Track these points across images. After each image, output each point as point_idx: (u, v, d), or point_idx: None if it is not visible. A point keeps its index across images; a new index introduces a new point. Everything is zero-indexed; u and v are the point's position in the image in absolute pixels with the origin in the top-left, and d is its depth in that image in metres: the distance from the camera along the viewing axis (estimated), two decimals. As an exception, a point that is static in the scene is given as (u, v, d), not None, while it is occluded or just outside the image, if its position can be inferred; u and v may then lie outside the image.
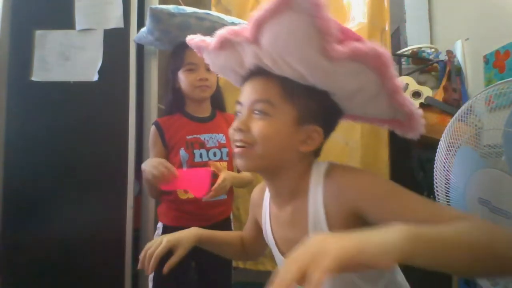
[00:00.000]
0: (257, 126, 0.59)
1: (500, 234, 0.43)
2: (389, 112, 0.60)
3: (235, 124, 0.62)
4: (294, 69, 0.54)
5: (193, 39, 0.68)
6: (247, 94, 0.62)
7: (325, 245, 0.38)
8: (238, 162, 0.63)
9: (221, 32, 0.59)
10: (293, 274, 0.37)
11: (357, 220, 0.56)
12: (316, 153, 0.66)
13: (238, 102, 0.64)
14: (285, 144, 0.59)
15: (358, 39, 0.52)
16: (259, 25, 0.51)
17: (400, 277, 0.68)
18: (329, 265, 0.36)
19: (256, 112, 0.60)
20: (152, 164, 1.04)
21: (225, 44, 0.60)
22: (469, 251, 0.40)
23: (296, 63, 0.53)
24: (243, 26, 0.55)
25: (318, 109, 0.59)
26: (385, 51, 0.51)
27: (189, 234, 0.81)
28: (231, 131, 0.63)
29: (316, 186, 0.60)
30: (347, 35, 0.51)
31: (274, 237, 0.72)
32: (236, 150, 0.62)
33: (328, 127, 0.63)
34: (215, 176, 1.11)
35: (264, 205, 0.75)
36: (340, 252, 0.37)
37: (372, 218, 0.54)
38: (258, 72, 0.60)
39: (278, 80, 0.58)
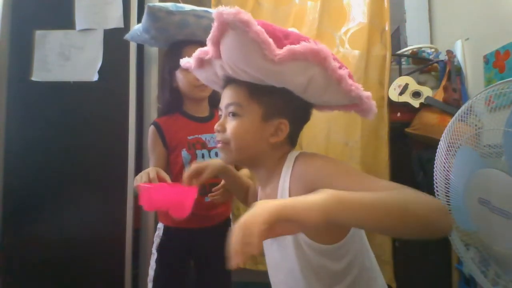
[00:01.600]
0: (230, 126, 0.70)
1: (423, 200, 0.51)
2: (345, 98, 0.69)
3: (215, 126, 0.73)
4: (250, 74, 0.65)
5: (183, 63, 0.81)
6: (223, 99, 0.74)
7: (260, 206, 0.47)
8: (221, 156, 0.76)
9: (195, 54, 0.73)
10: (238, 241, 0.44)
11: None
12: (292, 143, 0.74)
13: (219, 108, 0.75)
14: (256, 138, 0.70)
15: (302, 40, 0.61)
16: (215, 44, 0.63)
17: (369, 261, 0.72)
18: (263, 220, 0.44)
19: (230, 113, 0.71)
20: (141, 173, 0.97)
21: (202, 62, 0.73)
22: (388, 211, 0.48)
23: (248, 69, 0.63)
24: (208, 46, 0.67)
25: (281, 104, 0.69)
26: (322, 47, 0.60)
27: (216, 162, 0.90)
28: (215, 132, 0.74)
29: (286, 171, 0.69)
30: (291, 39, 0.62)
31: None
32: (218, 145, 0.74)
33: (295, 118, 0.72)
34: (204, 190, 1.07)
35: (258, 188, 0.85)
36: (271, 209, 0.46)
37: None
38: (229, 81, 0.72)
39: (245, 85, 0.69)
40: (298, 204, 0.47)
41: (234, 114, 0.70)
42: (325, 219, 0.46)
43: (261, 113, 0.69)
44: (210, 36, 0.63)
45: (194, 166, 0.86)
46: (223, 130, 0.72)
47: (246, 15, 0.57)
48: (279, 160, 0.72)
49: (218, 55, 0.65)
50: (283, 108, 0.69)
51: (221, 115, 0.75)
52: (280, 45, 0.60)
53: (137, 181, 0.95)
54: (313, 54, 0.60)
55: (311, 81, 0.64)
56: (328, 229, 0.63)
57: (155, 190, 0.88)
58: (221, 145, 0.73)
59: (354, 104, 0.71)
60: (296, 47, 0.59)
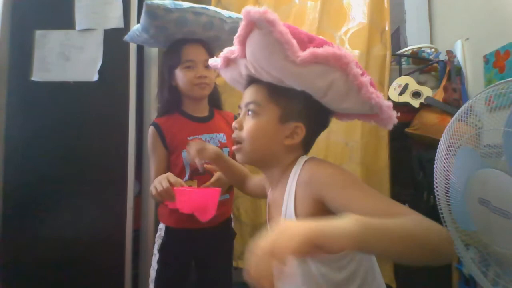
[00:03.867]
0: (246, 125, 0.71)
1: (434, 229, 0.51)
2: (365, 107, 0.67)
3: (233, 123, 0.75)
4: (271, 75, 0.66)
5: (211, 62, 0.83)
6: (244, 98, 0.75)
7: (289, 231, 0.44)
8: (236, 156, 0.76)
9: (222, 53, 0.75)
10: (266, 262, 0.43)
11: (320, 206, 0.64)
12: (306, 148, 0.75)
13: (239, 106, 0.77)
14: (271, 138, 0.70)
15: (324, 44, 0.62)
16: (241, 42, 0.65)
17: (372, 273, 0.70)
18: (295, 248, 0.42)
19: (249, 112, 0.72)
20: (157, 179, 0.98)
21: (228, 62, 0.75)
22: (407, 241, 0.48)
23: (270, 69, 0.64)
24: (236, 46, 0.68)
25: (299, 108, 0.69)
26: (345, 52, 0.60)
27: (213, 147, 0.97)
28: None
29: (294, 174, 0.70)
30: (315, 43, 0.62)
31: (268, 216, 0.84)
32: (233, 147, 0.75)
33: (312, 123, 0.72)
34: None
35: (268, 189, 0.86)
36: (304, 236, 0.43)
37: (331, 205, 0.62)
38: (252, 81, 0.73)
39: (265, 85, 0.70)
40: (328, 231, 0.44)
41: (252, 112, 0.71)
42: (353, 246, 0.45)
43: (278, 115, 0.69)
44: (237, 34, 0.65)
45: (197, 143, 0.93)
46: (240, 127, 0.73)
47: (272, 15, 0.58)
48: (290, 164, 0.72)
49: (243, 54, 0.67)
50: (301, 112, 0.70)
51: (239, 114, 0.77)
52: (304, 48, 0.60)
53: (157, 189, 0.95)
54: (336, 58, 0.60)
55: (331, 86, 0.64)
56: None
57: (194, 193, 0.92)
58: (236, 146, 0.74)
59: (374, 114, 0.70)
60: (319, 50, 0.59)
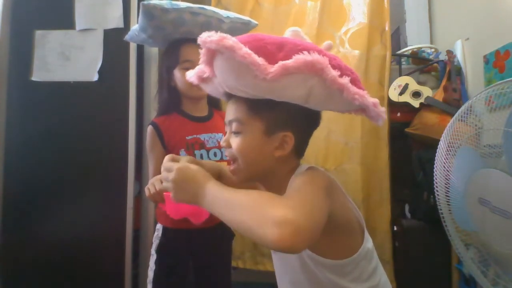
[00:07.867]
0: (234, 144, 0.69)
1: (261, 203, 0.53)
2: (353, 105, 0.64)
3: (221, 142, 0.73)
4: (246, 92, 0.64)
5: (188, 77, 0.79)
6: (226, 115, 0.72)
7: (174, 169, 0.65)
8: (233, 178, 0.74)
9: (194, 71, 0.72)
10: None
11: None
12: (299, 154, 0.72)
13: (225, 123, 0.74)
14: (261, 153, 0.68)
15: (299, 49, 0.59)
16: (208, 64, 0.64)
17: (377, 279, 0.71)
18: (170, 183, 0.65)
19: (232, 130, 0.70)
20: (151, 181, 0.97)
21: (203, 80, 0.72)
22: (238, 212, 0.54)
23: (243, 88, 0.63)
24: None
25: (284, 117, 0.67)
26: (317, 58, 0.57)
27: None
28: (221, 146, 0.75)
29: (291, 183, 0.67)
30: (285, 50, 0.60)
31: None
32: (230, 167, 0.72)
33: (301, 128, 0.69)
34: None
35: None
36: (173, 179, 0.64)
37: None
38: (230, 96, 0.70)
39: (244, 100, 0.67)
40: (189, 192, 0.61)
41: (236, 131, 0.69)
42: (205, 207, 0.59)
43: (263, 128, 0.67)
44: (201, 59, 0.63)
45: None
46: (228, 145, 0.70)
47: (230, 41, 0.56)
48: (287, 174, 0.69)
49: (214, 74, 0.65)
50: (286, 120, 0.67)
51: (226, 131, 0.74)
52: (273, 60, 0.58)
53: (150, 191, 0.93)
54: (308, 66, 0.57)
55: (311, 92, 0.62)
56: (332, 245, 0.64)
57: None
58: (232, 167, 0.71)
59: (362, 109, 0.68)
60: (289, 62, 0.57)
